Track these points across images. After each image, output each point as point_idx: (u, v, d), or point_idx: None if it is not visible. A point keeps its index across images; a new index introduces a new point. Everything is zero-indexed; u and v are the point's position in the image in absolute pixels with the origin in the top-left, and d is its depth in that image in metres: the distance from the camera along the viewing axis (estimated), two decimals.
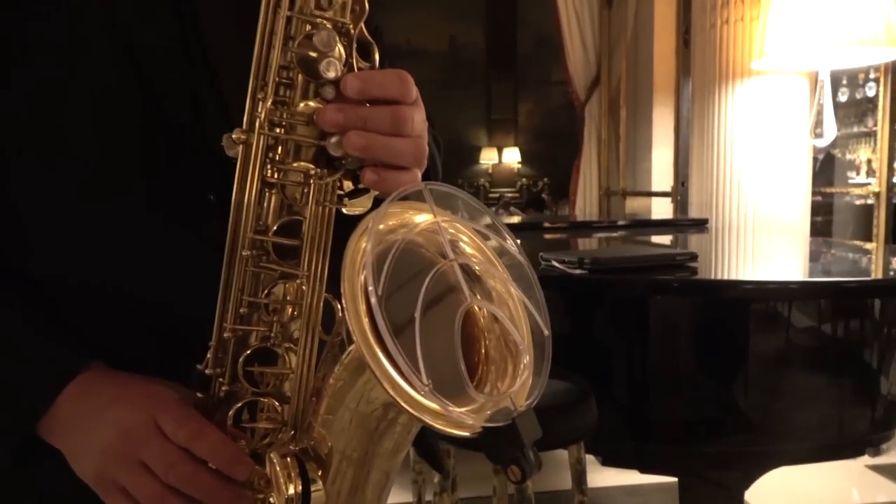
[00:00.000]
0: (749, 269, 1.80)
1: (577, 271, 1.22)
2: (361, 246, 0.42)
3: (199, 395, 0.50)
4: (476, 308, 0.47)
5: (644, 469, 1.32)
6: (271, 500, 0.46)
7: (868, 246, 2.63)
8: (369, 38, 0.51)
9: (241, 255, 0.48)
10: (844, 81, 6.30)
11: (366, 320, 0.41)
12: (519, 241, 0.48)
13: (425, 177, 0.59)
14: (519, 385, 0.44)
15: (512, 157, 9.97)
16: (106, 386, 0.51)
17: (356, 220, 0.45)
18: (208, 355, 0.50)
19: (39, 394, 0.50)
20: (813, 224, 3.91)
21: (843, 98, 6.52)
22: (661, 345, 1.25)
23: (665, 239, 2.35)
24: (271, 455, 0.46)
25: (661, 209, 2.84)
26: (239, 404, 0.49)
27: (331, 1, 0.48)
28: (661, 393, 1.27)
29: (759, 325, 1.27)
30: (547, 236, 2.49)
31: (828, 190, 3.81)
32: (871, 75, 7.12)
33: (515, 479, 0.42)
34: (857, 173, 5.29)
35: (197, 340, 0.50)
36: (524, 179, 9.94)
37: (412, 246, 0.46)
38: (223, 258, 0.48)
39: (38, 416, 0.50)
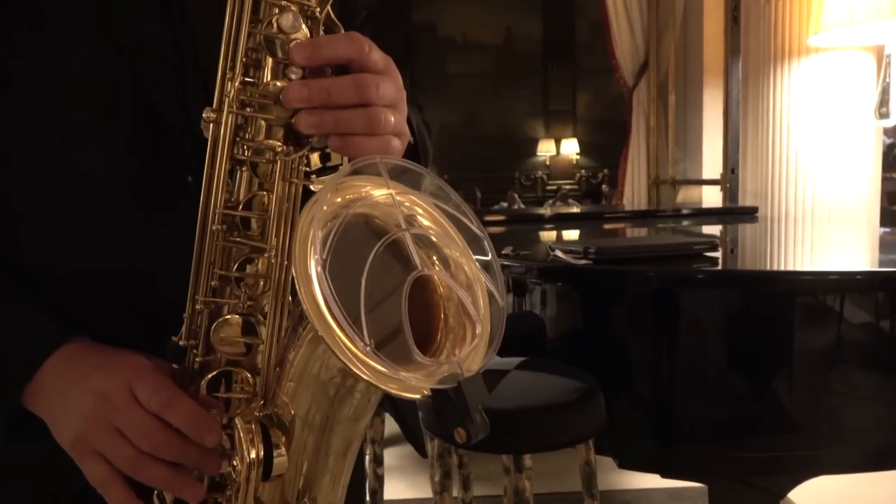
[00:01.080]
0: (799, 259, 1.72)
1: (583, 261, 1.19)
2: (311, 215, 0.43)
3: (174, 366, 0.53)
4: (437, 278, 0.48)
5: (665, 473, 1.26)
6: (234, 463, 0.48)
7: None
8: (336, 20, 0.52)
9: (212, 229, 0.50)
10: None
11: (315, 286, 0.42)
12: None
13: (412, 154, 0.60)
14: (469, 351, 0.45)
15: (570, 148, 9.84)
16: (89, 356, 0.54)
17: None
18: (183, 326, 0.52)
19: (26, 360, 0.54)
20: (885, 213, 3.68)
21: None
22: (670, 339, 1.21)
23: (715, 229, 2.27)
24: (236, 421, 0.48)
25: (713, 198, 2.75)
26: (211, 374, 0.52)
27: None
28: (672, 390, 1.22)
29: (786, 318, 1.21)
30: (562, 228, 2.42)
31: None
32: None
33: (461, 440, 0.42)
34: None
35: (175, 318, 0.52)
36: (583, 171, 9.80)
37: (367, 218, 0.47)
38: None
39: (25, 381, 0.53)
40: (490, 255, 0.48)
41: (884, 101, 2.30)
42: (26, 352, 0.54)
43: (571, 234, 2.24)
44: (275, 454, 0.48)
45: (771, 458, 1.28)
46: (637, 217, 2.55)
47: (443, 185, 0.50)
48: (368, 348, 0.40)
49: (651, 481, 2.31)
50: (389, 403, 0.69)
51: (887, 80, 2.29)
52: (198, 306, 0.51)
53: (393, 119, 0.51)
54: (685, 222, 2.45)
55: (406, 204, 0.48)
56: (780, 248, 1.85)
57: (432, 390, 0.42)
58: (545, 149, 9.89)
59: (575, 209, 5.30)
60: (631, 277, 1.22)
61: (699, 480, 1.30)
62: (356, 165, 0.46)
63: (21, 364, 0.54)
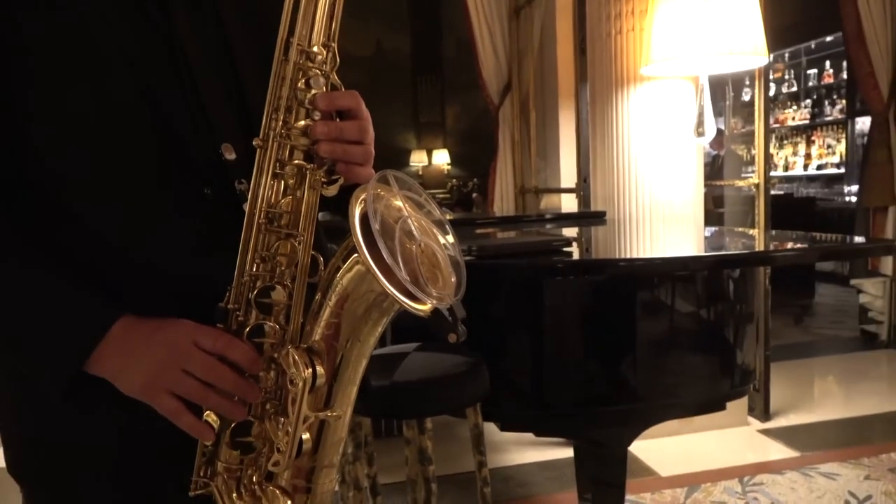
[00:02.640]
0: (640, 253, 2.08)
1: (468, 258, 1.45)
2: (359, 198, 0.67)
3: (219, 325, 0.72)
4: (422, 244, 0.74)
5: (538, 433, 1.54)
6: (293, 380, 0.70)
7: (751, 232, 3.05)
8: (338, 80, 0.76)
9: (259, 222, 0.72)
10: (747, 82, 6.93)
11: (363, 242, 0.65)
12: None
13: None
14: (447, 288, 0.71)
15: (441, 158, 10.27)
16: (146, 323, 0.71)
17: (328, 200, 0.72)
18: (229, 293, 0.72)
19: (91, 331, 0.69)
20: (712, 214, 4.37)
21: (746, 98, 7.17)
22: (537, 320, 1.47)
23: (573, 231, 2.66)
24: (290, 350, 0.71)
25: (570, 204, 3.18)
26: (249, 326, 0.73)
27: (316, 58, 0.73)
28: (539, 365, 1.50)
29: (614, 300, 1.52)
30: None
31: (718, 183, 4.27)
32: (771, 76, 7.81)
33: (454, 341, 0.69)
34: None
35: (203, 300, 0.71)
36: (454, 180, 10.27)
37: (387, 206, 0.72)
38: (227, 234, 0.71)
39: (92, 347, 0.68)
40: (451, 231, 0.75)
41: (700, 122, 2.82)
42: (90, 324, 0.70)
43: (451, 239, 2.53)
44: (317, 372, 0.71)
45: (616, 414, 1.59)
46: (505, 222, 2.90)
47: (419, 187, 0.76)
48: (407, 280, 0.65)
49: (527, 457, 2.67)
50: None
51: (702, 104, 2.83)
52: (244, 279, 0.73)
53: (372, 151, 0.78)
54: (548, 226, 2.84)
55: (401, 198, 0.73)
56: (626, 244, 2.24)
57: (434, 309, 0.67)
58: (417, 159, 10.25)
59: (449, 216, 5.68)
60: (505, 269, 1.47)
61: (563, 436, 1.61)
62: (380, 176, 0.71)
63: (87, 334, 0.70)
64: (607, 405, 1.58)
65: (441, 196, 9.72)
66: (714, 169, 6.06)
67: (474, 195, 8.87)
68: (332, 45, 0.75)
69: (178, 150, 0.76)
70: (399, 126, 10.14)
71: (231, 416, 0.73)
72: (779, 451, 2.77)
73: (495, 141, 3.70)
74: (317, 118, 0.73)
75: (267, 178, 0.73)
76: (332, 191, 0.76)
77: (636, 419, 1.64)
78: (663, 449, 2.73)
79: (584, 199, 2.98)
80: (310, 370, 0.70)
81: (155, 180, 0.76)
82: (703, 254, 1.72)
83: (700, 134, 2.82)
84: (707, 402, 1.66)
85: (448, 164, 10.30)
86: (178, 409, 0.70)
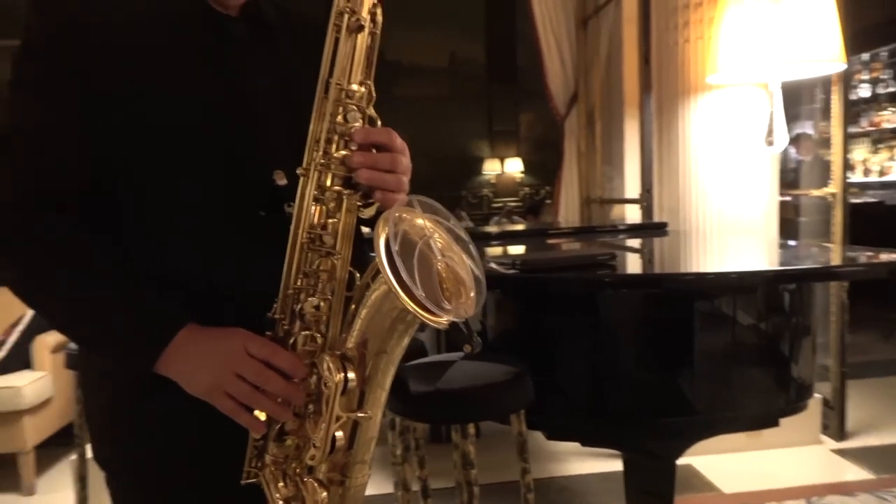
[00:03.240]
0: (705, 265, 2.05)
1: (511, 271, 1.49)
2: (383, 225, 0.75)
3: (268, 333, 0.81)
4: (442, 264, 0.81)
5: (584, 442, 1.58)
6: (326, 384, 0.79)
7: (825, 244, 2.93)
8: (374, 114, 0.85)
9: (301, 241, 0.82)
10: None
11: (386, 263, 0.73)
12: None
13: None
14: (468, 302, 0.78)
15: (514, 167, 10.30)
16: (207, 332, 0.81)
17: (364, 221, 0.80)
18: (276, 305, 0.82)
19: (161, 335, 0.79)
20: (793, 224, 4.18)
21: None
22: (582, 332, 1.50)
23: (636, 242, 2.65)
24: (325, 357, 0.80)
25: (636, 215, 3.16)
26: (293, 336, 0.82)
27: (353, 93, 0.82)
28: (584, 376, 1.52)
29: (669, 313, 1.51)
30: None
31: (794, 192, 4.10)
32: (867, 76, 7.38)
33: (469, 351, 0.75)
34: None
35: (252, 312, 0.80)
36: (527, 189, 10.28)
37: (409, 231, 0.79)
38: (278, 250, 0.80)
39: (161, 349, 0.78)
40: (472, 248, 0.82)
41: (770, 131, 2.74)
42: (161, 329, 0.81)
43: (516, 249, 2.58)
44: (349, 377, 0.79)
45: (669, 427, 1.58)
46: (562, 233, 2.91)
47: (444, 211, 0.84)
48: (422, 296, 0.73)
49: (586, 467, 2.67)
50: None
51: (772, 112, 2.75)
52: (289, 291, 0.82)
53: (406, 181, 0.85)
54: (611, 236, 2.83)
55: (427, 222, 0.81)
56: (690, 255, 2.22)
57: (450, 322, 0.74)
58: (490, 168, 10.32)
59: (519, 226, 5.71)
60: (547, 283, 1.50)
61: (611, 447, 1.63)
62: (404, 202, 0.79)
63: (154, 342, 0.80)
64: (661, 417, 1.59)
65: (513, 204, 9.74)
66: (801, 176, 5.79)
67: (547, 201, 8.85)
68: (369, 82, 0.83)
69: (238, 175, 0.87)
70: (473, 135, 10.25)
71: (276, 417, 0.81)
72: (852, 473, 2.65)
73: (561, 151, 3.72)
74: (354, 149, 0.82)
75: (308, 202, 0.82)
76: (368, 213, 0.84)
77: (689, 432, 1.64)
78: (728, 465, 2.67)
79: (646, 210, 2.96)
80: (341, 375, 0.79)
81: (219, 203, 0.86)
82: (747, 270, 1.69)
83: (770, 143, 2.75)
84: (761, 418, 1.63)
85: (521, 173, 10.31)
86: (236, 408, 0.80)
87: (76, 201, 0.82)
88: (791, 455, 2.78)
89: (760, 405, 1.62)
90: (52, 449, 2.96)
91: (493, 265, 1.57)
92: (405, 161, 0.85)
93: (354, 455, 0.84)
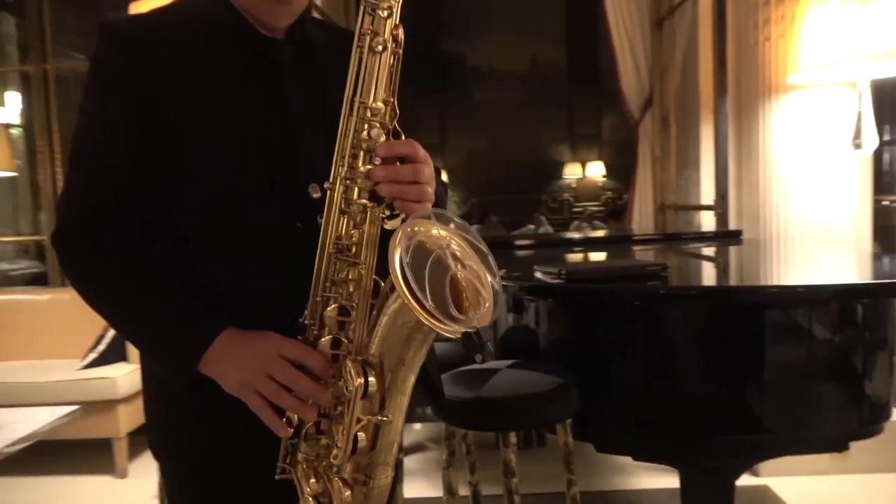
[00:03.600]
0: (777, 275, 1.96)
1: (556, 281, 1.49)
2: (398, 240, 0.79)
3: (299, 338, 0.87)
4: (460, 275, 0.83)
5: (637, 457, 1.54)
6: (348, 387, 0.83)
7: None
8: (399, 129, 0.88)
9: (328, 251, 0.86)
10: None
11: (400, 277, 0.77)
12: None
13: (435, 205, 0.95)
14: (483, 313, 0.79)
15: (596, 170, 10.12)
16: (244, 335, 0.87)
17: (390, 232, 0.83)
18: (306, 311, 0.87)
19: (203, 338, 0.86)
20: (890, 232, 3.86)
21: None
22: (634, 345, 1.47)
23: (711, 250, 2.55)
24: (347, 362, 0.84)
25: (710, 221, 3.04)
26: (323, 339, 0.86)
27: (378, 110, 0.86)
28: (632, 386, 1.48)
29: (726, 327, 1.45)
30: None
31: (888, 199, 3.80)
32: None
33: (480, 361, 0.77)
34: None
35: (289, 317, 0.86)
36: (608, 193, 10.06)
37: (424, 243, 0.82)
38: (312, 259, 0.85)
39: (203, 351, 0.85)
40: (492, 262, 0.83)
41: (858, 133, 2.57)
42: (203, 333, 0.87)
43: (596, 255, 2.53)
44: (369, 380, 0.83)
45: (731, 445, 1.52)
46: (631, 241, 2.84)
47: (464, 223, 0.86)
48: (431, 306, 0.75)
49: (639, 482, 2.58)
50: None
51: (860, 112, 2.58)
52: (317, 298, 0.87)
53: (430, 190, 0.88)
54: (681, 245, 2.73)
55: (445, 235, 0.83)
56: (767, 265, 2.11)
57: (463, 332, 0.76)
58: (571, 172, 10.19)
59: (598, 232, 5.61)
60: (592, 294, 1.49)
61: (666, 463, 1.58)
62: (420, 214, 0.82)
63: (196, 345, 0.87)
64: (721, 433, 1.53)
65: (594, 209, 9.56)
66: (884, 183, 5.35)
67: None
68: (392, 100, 0.87)
69: (278, 190, 0.92)
70: (553, 139, 10.16)
71: (301, 416, 0.86)
72: None
73: (635, 156, 3.64)
74: (377, 163, 0.85)
75: (335, 214, 0.86)
76: (393, 224, 0.87)
77: (750, 451, 1.57)
78: (807, 488, 2.51)
79: (721, 217, 2.84)
80: (361, 379, 0.82)
81: (260, 216, 0.92)
82: (815, 283, 1.59)
83: (858, 146, 2.58)
84: (831, 439, 1.54)
85: (603, 177, 10.10)
86: (262, 406, 0.85)
87: (134, 215, 0.90)
88: (877, 481, 2.58)
89: (830, 425, 1.53)
90: (143, 436, 3.19)
91: (539, 274, 1.56)
92: (427, 171, 0.87)
93: (377, 457, 0.87)
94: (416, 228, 0.82)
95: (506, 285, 1.62)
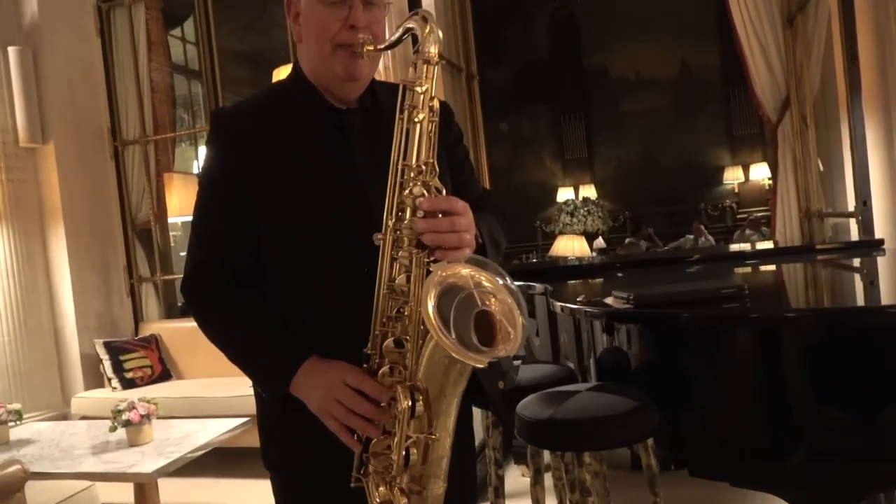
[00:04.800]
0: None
1: (625, 306, 1.50)
2: (430, 282, 0.92)
3: (364, 365, 1.03)
4: (491, 310, 0.94)
5: (733, 482, 1.50)
6: (398, 409, 0.97)
7: None
8: (440, 185, 1.02)
9: (383, 292, 1.02)
10: None
11: (432, 316, 0.90)
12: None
13: (481, 250, 1.07)
14: (511, 347, 0.90)
15: (761, 173, 9.40)
16: (322, 363, 1.04)
17: None
18: (369, 343, 1.03)
19: (291, 366, 1.05)
20: None
21: None
22: (704, 370, 1.45)
23: (855, 261, 2.35)
24: (398, 386, 0.98)
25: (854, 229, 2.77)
26: (381, 369, 1.02)
27: (421, 170, 1.01)
28: (718, 414, 1.46)
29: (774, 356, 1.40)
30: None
31: None
32: None
33: (503, 387, 0.88)
34: None
35: (357, 348, 1.02)
36: None
37: (455, 283, 0.95)
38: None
39: (291, 377, 1.04)
40: (521, 300, 0.94)
41: None
42: (290, 363, 1.06)
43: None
44: (416, 404, 0.97)
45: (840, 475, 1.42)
46: (762, 255, 2.67)
47: (498, 267, 0.97)
48: (453, 339, 0.88)
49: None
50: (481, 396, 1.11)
51: None
52: (376, 332, 1.03)
53: (468, 236, 1.00)
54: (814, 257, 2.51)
55: (476, 275, 0.95)
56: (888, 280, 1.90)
57: (489, 362, 0.88)
58: (732, 176, 9.57)
59: (765, 243, 5.22)
60: (659, 318, 1.49)
61: (766, 491, 1.51)
62: (451, 259, 0.96)
63: (286, 372, 1.06)
64: (831, 461, 1.45)
65: (760, 214, 8.88)
66: None
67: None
68: (431, 160, 1.01)
69: (346, 241, 1.10)
70: (710, 144, 9.63)
71: (368, 434, 1.02)
72: None
73: (775, 161, 3.41)
74: (420, 216, 1.00)
75: (387, 261, 1.02)
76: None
77: (856, 480, 1.46)
78: None
79: (864, 225, 2.59)
80: (408, 402, 0.97)
81: (332, 263, 1.11)
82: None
83: None
84: None
85: (769, 179, 9.35)
86: (339, 427, 1.03)
87: (235, 266, 1.13)
88: None
89: None
90: None
91: (610, 299, 1.60)
92: (464, 221, 1.00)
93: (428, 469, 1.01)
94: (448, 272, 0.95)
95: (586, 311, 1.68)
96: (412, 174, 1.01)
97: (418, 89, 1.01)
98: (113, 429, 2.73)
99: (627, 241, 8.90)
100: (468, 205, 1.03)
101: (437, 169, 1.02)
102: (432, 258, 1.00)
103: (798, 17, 3.22)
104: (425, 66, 1.00)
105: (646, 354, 1.59)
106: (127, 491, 2.68)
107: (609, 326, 1.67)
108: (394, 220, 1.02)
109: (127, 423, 2.70)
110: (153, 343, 4.39)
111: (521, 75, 9.52)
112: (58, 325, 4.34)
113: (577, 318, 1.80)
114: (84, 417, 3.86)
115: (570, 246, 6.09)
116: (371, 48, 1.08)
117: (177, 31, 6.23)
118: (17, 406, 3.04)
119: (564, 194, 9.80)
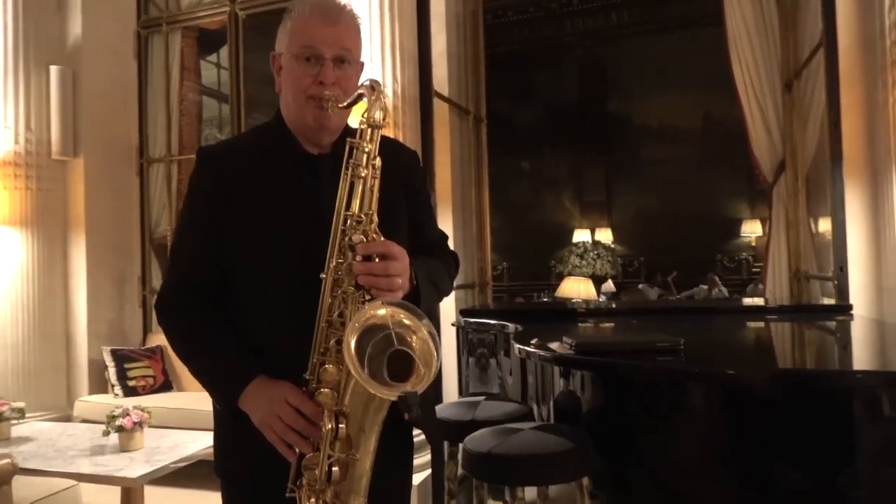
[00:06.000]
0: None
1: (568, 352, 1.59)
2: (355, 322, 1.04)
3: (304, 389, 1.15)
4: (411, 351, 1.05)
5: None
6: (324, 431, 1.09)
7: None
8: (378, 232, 1.14)
9: (321, 325, 1.14)
10: None
11: (352, 351, 1.02)
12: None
13: (414, 291, 1.18)
14: (420, 384, 1.01)
15: None
16: (267, 382, 1.17)
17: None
18: (308, 369, 1.15)
19: (241, 382, 1.18)
20: None
21: None
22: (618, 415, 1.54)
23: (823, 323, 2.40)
24: (327, 410, 1.10)
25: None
26: (322, 391, 1.13)
27: (360, 219, 1.13)
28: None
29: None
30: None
31: None
32: None
33: (407, 419, 0.98)
34: None
35: (299, 368, 1.14)
36: None
37: (376, 325, 1.07)
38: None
39: (240, 392, 1.17)
40: (437, 339, 1.05)
41: None
42: (240, 378, 1.19)
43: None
44: (340, 426, 1.08)
45: None
46: (731, 311, 2.72)
47: (417, 310, 1.09)
48: (365, 375, 0.99)
49: None
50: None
51: None
52: (314, 360, 1.15)
53: (399, 281, 1.12)
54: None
55: (397, 315, 1.07)
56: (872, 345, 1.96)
57: (398, 396, 0.99)
58: (750, 229, 9.54)
59: (757, 300, 5.23)
60: (593, 366, 1.57)
61: None
62: (386, 300, 1.07)
63: (236, 387, 1.19)
64: None
65: None
66: None
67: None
68: (371, 212, 1.14)
69: (304, 270, 1.22)
70: (730, 195, 9.64)
71: (301, 449, 1.14)
72: None
73: (769, 221, 3.48)
74: (357, 260, 1.12)
75: (327, 297, 1.15)
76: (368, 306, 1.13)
77: None
78: None
79: (840, 290, 2.64)
80: (332, 424, 1.08)
81: (289, 291, 1.23)
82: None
83: None
84: None
85: None
86: (276, 439, 1.15)
87: (203, 290, 1.27)
88: None
89: None
90: None
91: (555, 345, 1.69)
92: (397, 265, 1.13)
93: (348, 485, 1.11)
94: (372, 313, 1.07)
95: (538, 354, 1.77)
96: (353, 223, 1.13)
97: (365, 148, 1.14)
98: (106, 433, 2.86)
99: (640, 286, 8.92)
100: (404, 251, 1.15)
101: (376, 219, 1.15)
102: (367, 297, 1.13)
103: (795, 83, 3.32)
104: (370, 130, 1.14)
105: (593, 399, 1.67)
106: (114, 495, 2.80)
107: (565, 370, 1.76)
108: (335, 262, 1.14)
109: (120, 429, 2.83)
110: (158, 354, 4.56)
111: (547, 116, 9.72)
112: (70, 330, 4.54)
113: (535, 361, 1.89)
114: (85, 420, 4.01)
115: (576, 288, 6.14)
116: (335, 105, 1.21)
117: (213, 57, 6.54)
118: (20, 404, 3.20)
119: (580, 236, 9.87)
